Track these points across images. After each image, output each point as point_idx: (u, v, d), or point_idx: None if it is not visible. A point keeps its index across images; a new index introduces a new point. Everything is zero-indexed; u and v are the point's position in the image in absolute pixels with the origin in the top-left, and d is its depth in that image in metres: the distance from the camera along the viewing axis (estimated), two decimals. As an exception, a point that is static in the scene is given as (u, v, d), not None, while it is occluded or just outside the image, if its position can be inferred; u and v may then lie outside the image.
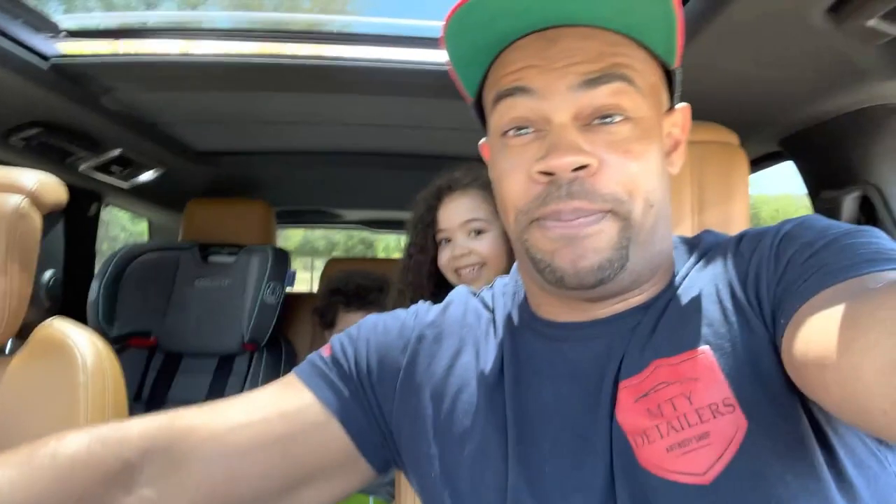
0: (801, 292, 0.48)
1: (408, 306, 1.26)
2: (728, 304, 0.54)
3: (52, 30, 1.23)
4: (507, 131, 0.56)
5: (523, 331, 0.63)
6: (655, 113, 0.56)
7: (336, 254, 13.37)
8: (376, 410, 0.65)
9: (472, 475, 0.57)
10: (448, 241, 1.29)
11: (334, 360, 0.67)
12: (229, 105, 1.62)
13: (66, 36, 1.26)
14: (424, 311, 0.71)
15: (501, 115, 0.56)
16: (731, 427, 0.49)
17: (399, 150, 1.96)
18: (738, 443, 0.49)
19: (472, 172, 1.32)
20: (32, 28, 1.17)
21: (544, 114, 0.54)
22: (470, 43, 0.56)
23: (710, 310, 0.55)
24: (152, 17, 1.39)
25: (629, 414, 0.53)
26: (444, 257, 1.29)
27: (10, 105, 1.29)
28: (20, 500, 0.51)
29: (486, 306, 0.69)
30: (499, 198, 0.59)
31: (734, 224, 0.98)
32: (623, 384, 0.54)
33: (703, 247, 0.62)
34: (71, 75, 1.28)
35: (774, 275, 0.52)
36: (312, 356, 0.68)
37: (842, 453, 0.48)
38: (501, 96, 0.56)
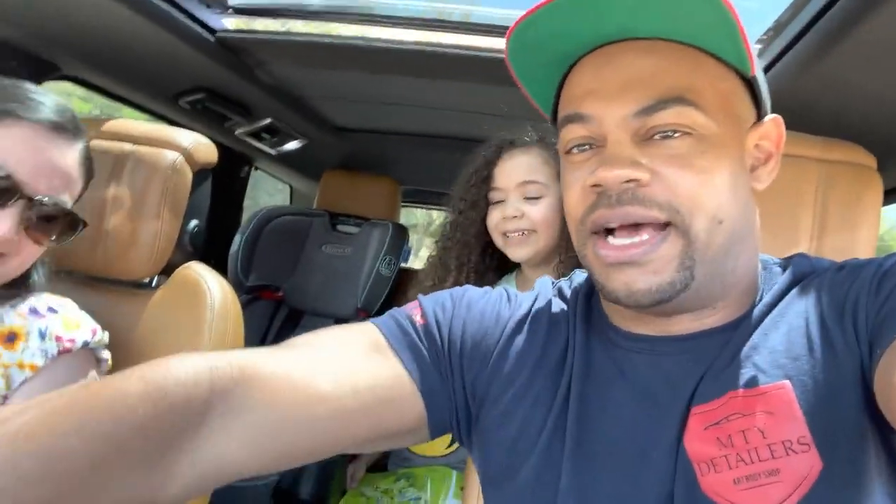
0: None
1: (452, 267, 1.25)
2: (816, 337, 0.52)
3: (221, 6, 1.38)
4: (570, 149, 0.58)
5: (596, 334, 0.63)
6: (729, 127, 0.54)
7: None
8: (457, 392, 0.64)
9: (536, 473, 0.58)
10: (501, 200, 1.22)
11: (427, 332, 0.64)
12: (370, 85, 1.71)
13: (232, 12, 1.40)
14: (517, 300, 0.69)
15: (565, 136, 0.58)
16: (804, 466, 0.48)
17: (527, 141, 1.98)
18: (810, 484, 0.48)
19: (538, 131, 1.25)
20: (204, 4, 1.31)
21: (603, 134, 0.55)
22: (532, 63, 0.57)
23: (797, 343, 0.53)
24: (308, 1, 1.50)
25: (698, 441, 0.52)
26: (495, 218, 1.22)
27: (180, 71, 1.45)
28: (69, 446, 0.45)
29: (565, 300, 0.69)
30: (566, 211, 0.61)
31: (857, 256, 0.90)
32: (695, 409, 0.53)
33: (795, 272, 0.59)
34: (232, 48, 1.42)
35: (874, 305, 0.50)
36: (401, 318, 0.65)
37: None
38: (564, 121, 0.57)
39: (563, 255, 1.17)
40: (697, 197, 0.52)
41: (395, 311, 0.67)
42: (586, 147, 0.56)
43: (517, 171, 1.20)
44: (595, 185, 0.53)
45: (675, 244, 0.52)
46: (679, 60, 0.53)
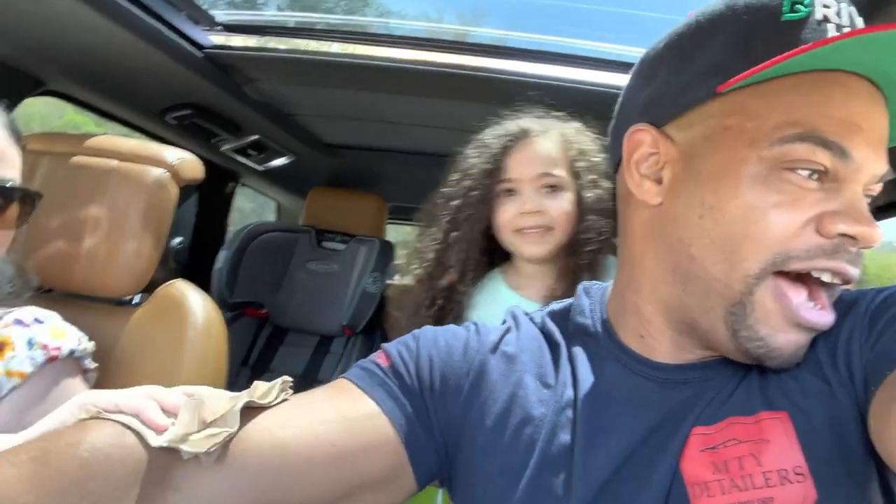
0: (894, 357, 0.46)
1: (451, 263, 1.13)
2: (814, 370, 0.52)
3: (210, 23, 1.38)
4: (795, 168, 0.49)
5: (604, 360, 0.61)
6: None
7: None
8: (435, 429, 0.61)
9: (529, 500, 0.55)
10: (511, 192, 1.10)
11: (394, 371, 0.62)
12: (358, 103, 1.72)
13: (220, 29, 1.40)
14: (486, 331, 0.67)
15: (797, 153, 0.49)
16: (797, 497, 0.47)
17: None
18: None
19: (549, 120, 1.14)
20: (192, 20, 1.32)
21: (843, 176, 0.50)
22: (811, 59, 0.48)
23: (796, 374, 0.53)
24: (297, 19, 1.51)
25: (692, 463, 0.51)
26: (509, 212, 1.09)
27: (167, 87, 1.45)
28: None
29: (541, 330, 0.66)
30: (733, 230, 0.51)
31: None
32: (695, 430, 0.53)
33: None
34: (220, 65, 1.42)
35: (867, 342, 0.50)
36: (365, 363, 0.64)
37: None
38: (813, 141, 0.48)
39: (572, 253, 1.08)
40: None
41: (359, 361, 0.65)
42: (813, 175, 0.49)
43: (535, 161, 1.08)
44: (844, 235, 0.49)
45: None
46: None
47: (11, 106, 1.27)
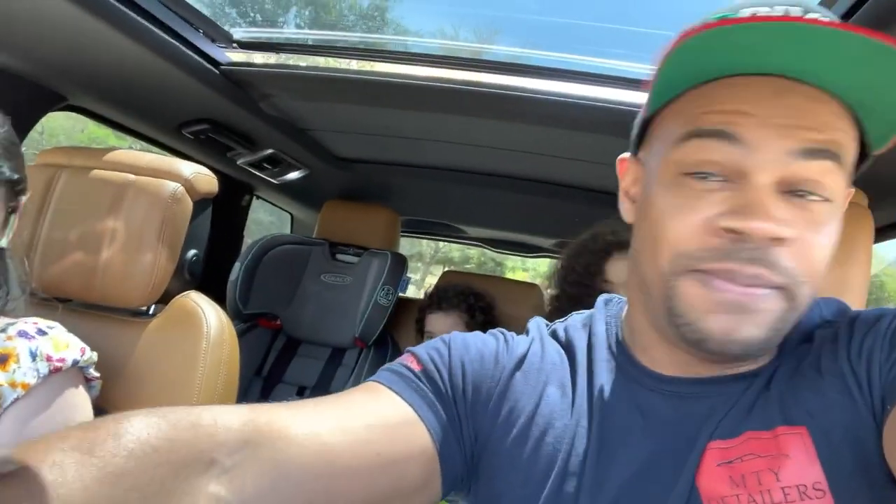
0: None
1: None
2: (835, 385, 0.52)
3: (226, 40, 1.41)
4: (690, 172, 0.51)
5: (618, 373, 0.61)
6: (844, 197, 0.52)
7: (469, 267, 13.60)
8: (465, 438, 0.61)
9: None
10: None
11: (427, 376, 0.61)
12: (372, 118, 1.73)
13: (236, 47, 1.43)
14: (514, 341, 0.67)
15: (689, 153, 0.51)
16: None
17: (525, 175, 2.00)
18: None
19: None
20: (209, 38, 1.35)
21: (743, 168, 0.49)
22: (692, 63, 0.49)
23: (816, 389, 0.52)
24: (314, 37, 1.54)
25: (709, 477, 0.51)
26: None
27: (185, 102, 1.49)
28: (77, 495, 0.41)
29: (560, 342, 0.67)
30: (651, 235, 0.54)
31: (850, 292, 0.91)
32: (712, 444, 0.52)
33: (815, 318, 0.58)
34: (237, 81, 1.45)
35: (887, 361, 0.50)
36: (396, 367, 0.62)
37: None
38: (699, 135, 0.50)
39: None
40: (816, 268, 0.50)
41: (388, 364, 0.64)
42: (712, 177, 0.50)
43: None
44: (731, 231, 0.48)
45: (779, 302, 0.49)
46: (839, 119, 0.49)
47: (33, 119, 1.31)
